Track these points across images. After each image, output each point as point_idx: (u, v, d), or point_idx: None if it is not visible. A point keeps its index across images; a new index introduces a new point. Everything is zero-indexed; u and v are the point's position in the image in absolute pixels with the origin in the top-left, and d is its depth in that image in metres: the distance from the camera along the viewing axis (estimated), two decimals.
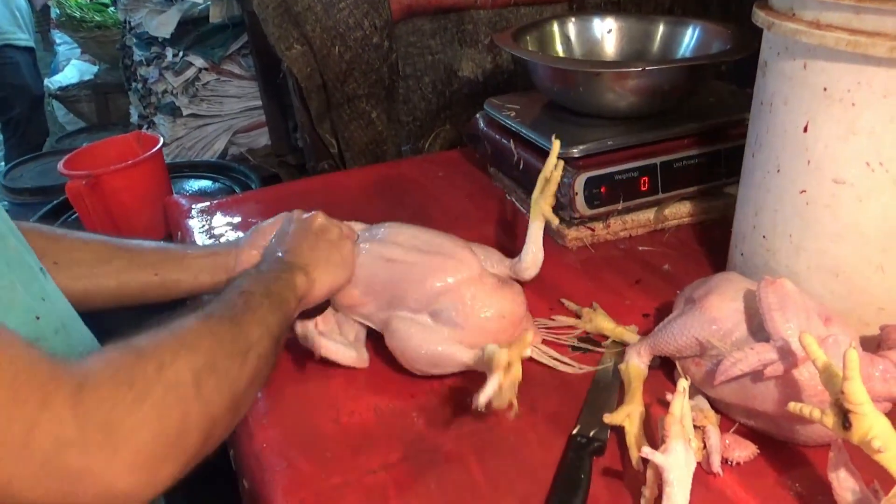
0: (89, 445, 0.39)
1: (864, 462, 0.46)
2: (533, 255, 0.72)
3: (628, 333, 0.71)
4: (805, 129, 0.62)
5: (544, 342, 0.72)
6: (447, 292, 0.66)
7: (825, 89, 0.59)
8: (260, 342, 0.55)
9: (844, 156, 0.59)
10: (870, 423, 0.43)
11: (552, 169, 0.73)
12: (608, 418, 0.58)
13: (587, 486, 0.55)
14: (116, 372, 0.43)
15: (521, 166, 0.96)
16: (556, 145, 0.73)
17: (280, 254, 0.66)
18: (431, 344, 0.65)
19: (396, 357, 0.68)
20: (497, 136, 1.03)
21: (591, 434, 0.60)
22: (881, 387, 0.53)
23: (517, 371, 0.56)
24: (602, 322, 0.73)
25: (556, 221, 0.73)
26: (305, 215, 0.72)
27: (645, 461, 0.52)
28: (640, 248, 0.91)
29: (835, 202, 0.61)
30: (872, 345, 0.59)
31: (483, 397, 0.54)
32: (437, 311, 0.66)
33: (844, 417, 0.44)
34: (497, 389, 0.54)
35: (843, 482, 0.47)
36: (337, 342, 0.69)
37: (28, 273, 0.59)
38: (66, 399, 0.39)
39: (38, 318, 0.57)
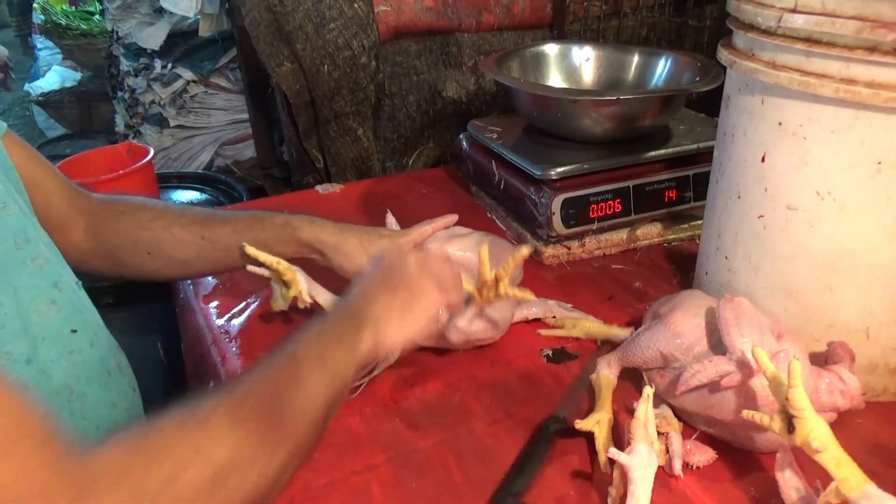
0: None
1: (808, 465, 0.51)
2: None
3: (619, 330, 0.76)
4: (763, 160, 0.67)
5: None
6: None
7: (780, 124, 0.65)
8: (301, 422, 0.49)
9: (797, 185, 0.65)
10: (810, 426, 0.48)
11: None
12: (579, 425, 0.63)
13: (540, 459, 0.61)
14: (123, 478, 0.39)
15: (502, 186, 1.01)
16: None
17: (356, 296, 0.60)
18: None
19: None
20: (479, 157, 1.07)
21: (559, 416, 0.66)
22: (826, 398, 0.58)
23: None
24: (590, 325, 0.78)
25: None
26: (405, 242, 0.75)
27: (612, 462, 0.57)
28: (614, 266, 0.96)
29: (789, 227, 0.67)
30: (821, 359, 0.64)
31: None
32: None
33: (789, 422, 0.49)
34: None
35: (789, 481, 0.52)
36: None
37: (68, 288, 0.63)
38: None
39: (74, 331, 0.61)
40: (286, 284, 0.74)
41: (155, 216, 0.75)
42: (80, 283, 0.66)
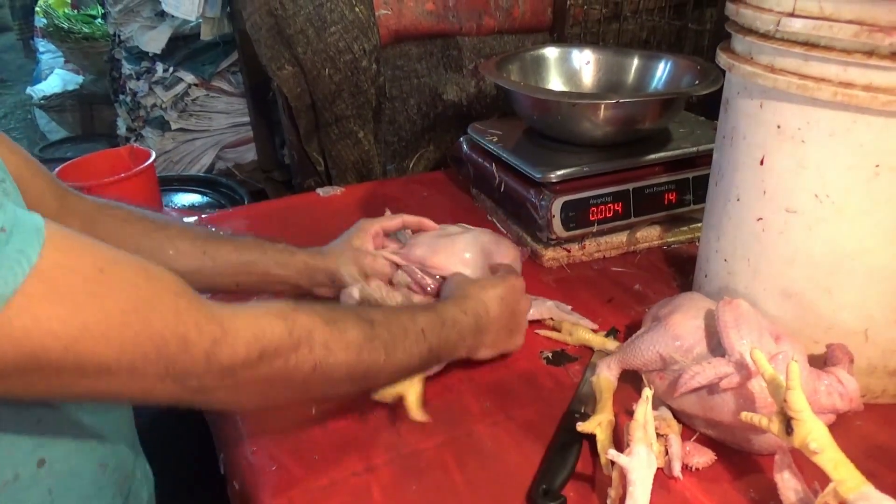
0: (208, 380, 0.49)
1: (807, 467, 0.51)
2: None
3: (609, 341, 0.76)
4: (761, 163, 0.67)
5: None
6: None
7: (779, 127, 0.65)
8: (382, 379, 0.62)
9: (795, 187, 0.65)
10: (808, 428, 0.48)
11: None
12: (581, 427, 0.63)
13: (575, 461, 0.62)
14: (257, 340, 0.50)
15: (502, 189, 1.02)
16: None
17: (480, 312, 0.69)
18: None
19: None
20: (480, 160, 1.08)
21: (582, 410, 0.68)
22: (826, 400, 0.59)
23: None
24: (583, 334, 0.78)
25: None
26: (509, 267, 0.79)
27: (612, 463, 0.57)
28: (613, 269, 0.96)
29: (787, 229, 0.67)
30: (820, 362, 0.64)
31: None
32: None
33: (787, 424, 0.49)
34: None
35: (787, 482, 0.52)
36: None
37: None
38: (203, 349, 0.47)
39: None
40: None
41: (159, 227, 0.76)
42: None
